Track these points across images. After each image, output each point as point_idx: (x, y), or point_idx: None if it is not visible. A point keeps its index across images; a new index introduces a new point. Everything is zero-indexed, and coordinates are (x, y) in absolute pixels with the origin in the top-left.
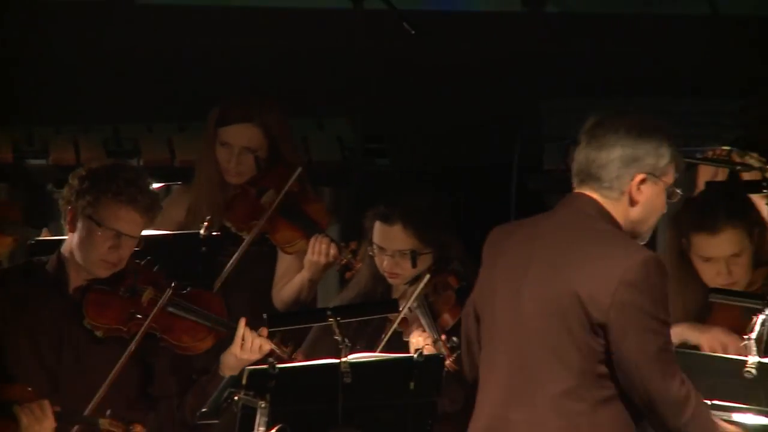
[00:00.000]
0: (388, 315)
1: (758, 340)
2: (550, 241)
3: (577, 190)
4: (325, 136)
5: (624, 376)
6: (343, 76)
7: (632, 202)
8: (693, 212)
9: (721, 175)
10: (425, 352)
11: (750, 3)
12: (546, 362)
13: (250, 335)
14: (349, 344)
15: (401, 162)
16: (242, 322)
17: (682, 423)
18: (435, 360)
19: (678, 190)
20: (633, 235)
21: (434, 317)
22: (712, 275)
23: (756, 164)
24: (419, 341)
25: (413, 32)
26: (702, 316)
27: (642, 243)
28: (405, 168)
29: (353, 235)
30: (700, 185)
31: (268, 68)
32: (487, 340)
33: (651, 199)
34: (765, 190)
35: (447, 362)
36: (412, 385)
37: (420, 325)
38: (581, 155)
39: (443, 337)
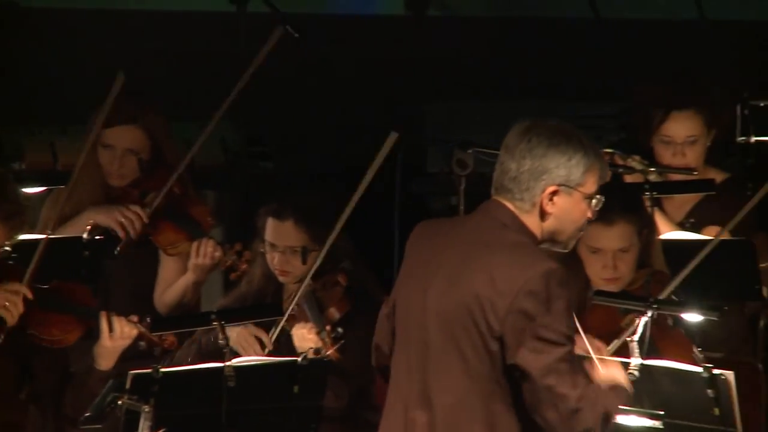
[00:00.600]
0: None
1: (641, 341)
2: (460, 246)
3: (494, 197)
4: (208, 139)
5: (519, 384)
6: (226, 79)
7: (543, 214)
8: None
9: None
10: (310, 344)
11: (632, 6)
12: (449, 365)
13: (117, 322)
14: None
15: (285, 165)
16: (103, 314)
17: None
18: (319, 363)
19: (601, 197)
20: (552, 245)
21: (321, 310)
22: (598, 268)
23: (638, 167)
24: (303, 333)
25: (297, 35)
26: (579, 312)
27: (565, 251)
28: (288, 171)
29: (237, 237)
30: None
31: (151, 70)
32: (399, 339)
33: (566, 210)
34: (647, 193)
35: (329, 352)
36: (296, 388)
37: (305, 318)
38: (499, 165)
39: (328, 327)
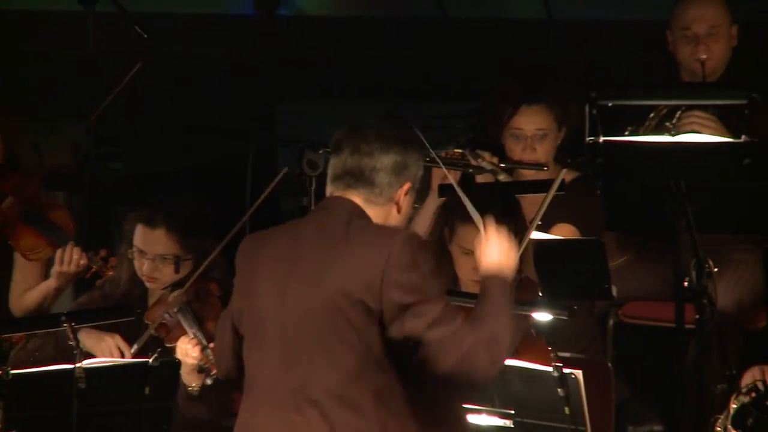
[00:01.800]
0: (148, 321)
1: None
2: (312, 243)
3: (337, 194)
4: (57, 140)
5: (411, 353)
6: (75, 79)
7: (399, 209)
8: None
9: (453, 177)
10: (193, 361)
11: (481, 5)
12: (320, 360)
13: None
14: (84, 349)
15: (136, 166)
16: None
17: (480, 373)
18: (170, 365)
19: (416, 204)
20: None
21: (200, 324)
22: (469, 269)
23: (488, 167)
24: (187, 349)
25: (146, 36)
26: None
27: None
28: (140, 172)
29: (87, 239)
30: (435, 187)
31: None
32: (254, 346)
33: (408, 207)
34: None
35: (214, 372)
36: (147, 389)
37: (185, 331)
38: (348, 161)
39: (211, 345)
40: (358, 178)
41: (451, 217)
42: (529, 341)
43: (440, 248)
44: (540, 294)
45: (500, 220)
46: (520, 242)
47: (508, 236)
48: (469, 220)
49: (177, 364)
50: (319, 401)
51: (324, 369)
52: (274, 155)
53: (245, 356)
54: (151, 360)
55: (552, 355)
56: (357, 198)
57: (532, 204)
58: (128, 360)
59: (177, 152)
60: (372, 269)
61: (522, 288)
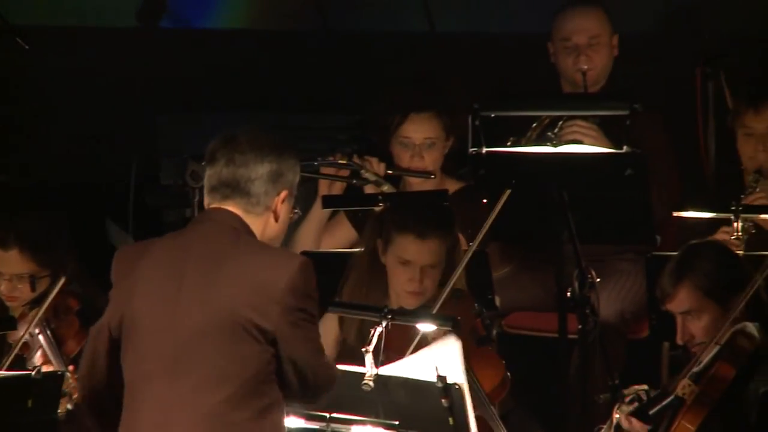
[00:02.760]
0: (10, 341)
1: (376, 352)
2: (200, 256)
3: (215, 205)
4: None
5: (294, 376)
6: None
7: (276, 218)
8: (402, 214)
9: (338, 188)
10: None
11: (363, 18)
12: (206, 376)
13: None
14: None
15: (17, 179)
16: None
17: None
18: (53, 377)
19: (296, 209)
20: None
21: (59, 345)
22: (404, 280)
23: (372, 178)
24: None
25: (27, 47)
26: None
27: None
28: (22, 185)
29: None
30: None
31: None
32: (138, 358)
33: (286, 215)
34: (381, 204)
35: (75, 396)
36: (30, 402)
37: (44, 351)
38: (223, 172)
39: (71, 367)
40: (234, 188)
41: (386, 227)
42: (475, 353)
43: (372, 260)
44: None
45: (438, 231)
46: (452, 255)
47: None
48: (406, 229)
49: (60, 376)
50: (206, 417)
51: (211, 386)
52: (157, 167)
53: (127, 367)
54: (33, 372)
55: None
56: (235, 208)
57: None
58: (9, 374)
59: (59, 165)
60: (269, 293)
61: (461, 303)
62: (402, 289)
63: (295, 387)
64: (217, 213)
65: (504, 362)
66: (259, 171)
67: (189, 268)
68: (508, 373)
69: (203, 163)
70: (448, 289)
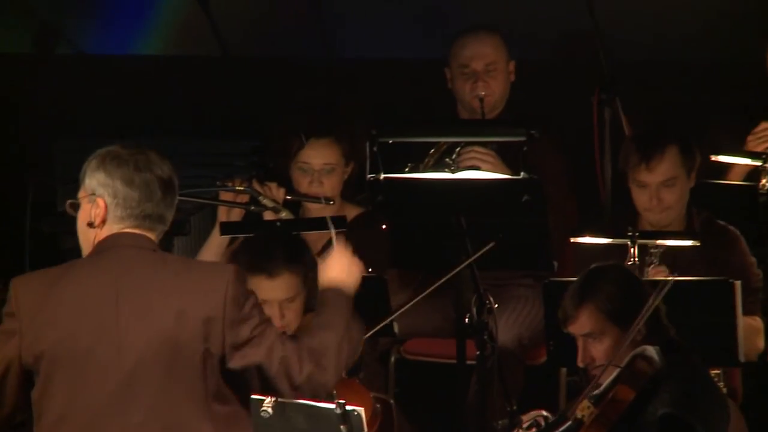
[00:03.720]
0: None
1: None
2: (129, 282)
3: (125, 230)
4: None
5: (256, 381)
6: None
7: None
8: (251, 253)
9: (236, 214)
10: None
11: (261, 44)
12: (158, 399)
13: None
14: None
15: None
16: None
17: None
18: None
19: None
20: None
21: None
22: None
23: (270, 204)
24: None
25: None
26: None
27: None
28: None
29: None
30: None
31: None
32: (73, 395)
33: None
34: (278, 228)
35: None
36: None
37: None
38: (111, 196)
39: None
40: (147, 215)
41: (242, 268)
42: (344, 384)
43: None
44: None
45: (288, 266)
46: (312, 282)
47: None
48: (255, 270)
49: None
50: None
51: (164, 407)
52: (53, 193)
53: (54, 403)
54: None
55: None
56: (141, 231)
57: (317, 239)
58: None
59: None
60: (211, 308)
61: None
62: None
63: (271, 389)
64: (128, 237)
65: (371, 394)
66: (157, 195)
67: (121, 296)
68: (378, 405)
69: None
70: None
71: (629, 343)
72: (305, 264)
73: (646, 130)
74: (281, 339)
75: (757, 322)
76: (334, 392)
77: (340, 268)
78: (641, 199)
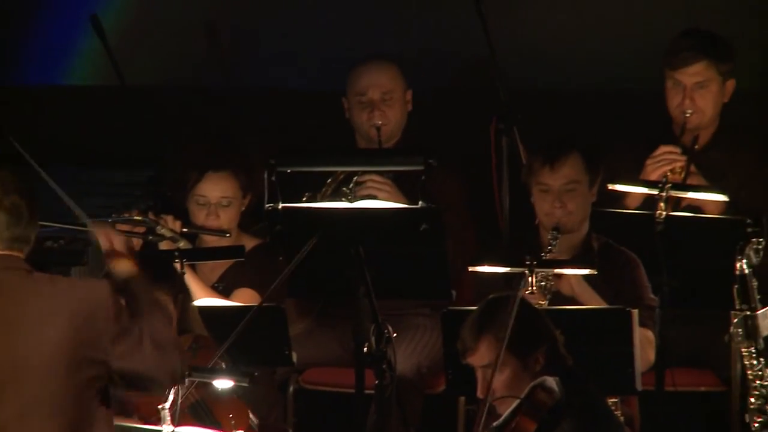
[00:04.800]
0: None
1: (173, 409)
2: (2, 301)
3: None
4: None
5: (136, 384)
6: None
7: None
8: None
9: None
10: None
11: (157, 73)
12: (42, 414)
13: None
14: None
15: None
16: None
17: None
18: None
19: None
20: None
21: None
22: None
23: (167, 234)
24: None
25: None
26: None
27: None
28: None
29: None
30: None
31: None
32: None
33: None
34: (177, 260)
35: None
36: None
37: None
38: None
39: None
40: (22, 239)
41: None
42: (221, 402)
43: None
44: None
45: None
46: (183, 304)
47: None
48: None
49: None
50: None
51: (48, 422)
52: None
53: None
54: None
55: (255, 420)
56: (15, 252)
57: (213, 268)
58: None
59: None
60: (91, 324)
61: (202, 346)
62: None
63: (150, 386)
64: (5, 259)
65: (249, 410)
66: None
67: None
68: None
69: None
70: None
71: (528, 374)
72: (174, 286)
73: (552, 139)
74: (151, 342)
75: (650, 334)
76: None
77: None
78: (543, 204)
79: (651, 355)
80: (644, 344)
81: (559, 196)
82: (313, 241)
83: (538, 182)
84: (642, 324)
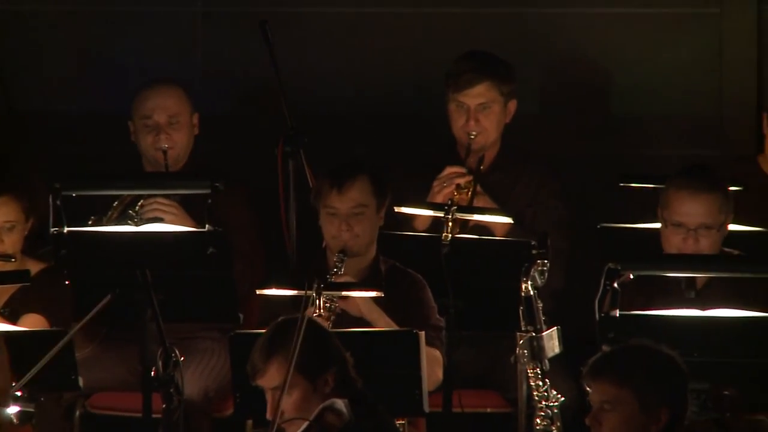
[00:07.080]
0: None
1: None
2: None
3: None
4: None
5: None
6: None
7: None
8: None
9: None
10: None
11: (46, 100)
12: None
13: None
14: None
15: None
16: None
17: None
18: None
19: None
20: None
21: None
22: None
23: None
24: None
25: None
26: None
27: None
28: None
29: None
30: None
31: None
32: None
33: None
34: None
35: None
36: None
37: None
38: None
39: None
40: None
41: None
42: (8, 428)
43: None
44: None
45: None
46: None
47: None
48: None
49: None
50: None
51: None
52: None
53: None
54: None
55: None
56: None
57: (2, 293)
58: None
59: None
60: None
61: None
62: None
63: None
64: None
65: None
66: None
67: None
68: None
69: None
70: None
71: (318, 396)
72: None
73: (340, 162)
74: None
75: (437, 353)
76: None
77: None
78: (331, 228)
79: (439, 374)
80: (432, 363)
81: (346, 219)
82: (109, 299)
83: (326, 205)
84: (429, 343)
